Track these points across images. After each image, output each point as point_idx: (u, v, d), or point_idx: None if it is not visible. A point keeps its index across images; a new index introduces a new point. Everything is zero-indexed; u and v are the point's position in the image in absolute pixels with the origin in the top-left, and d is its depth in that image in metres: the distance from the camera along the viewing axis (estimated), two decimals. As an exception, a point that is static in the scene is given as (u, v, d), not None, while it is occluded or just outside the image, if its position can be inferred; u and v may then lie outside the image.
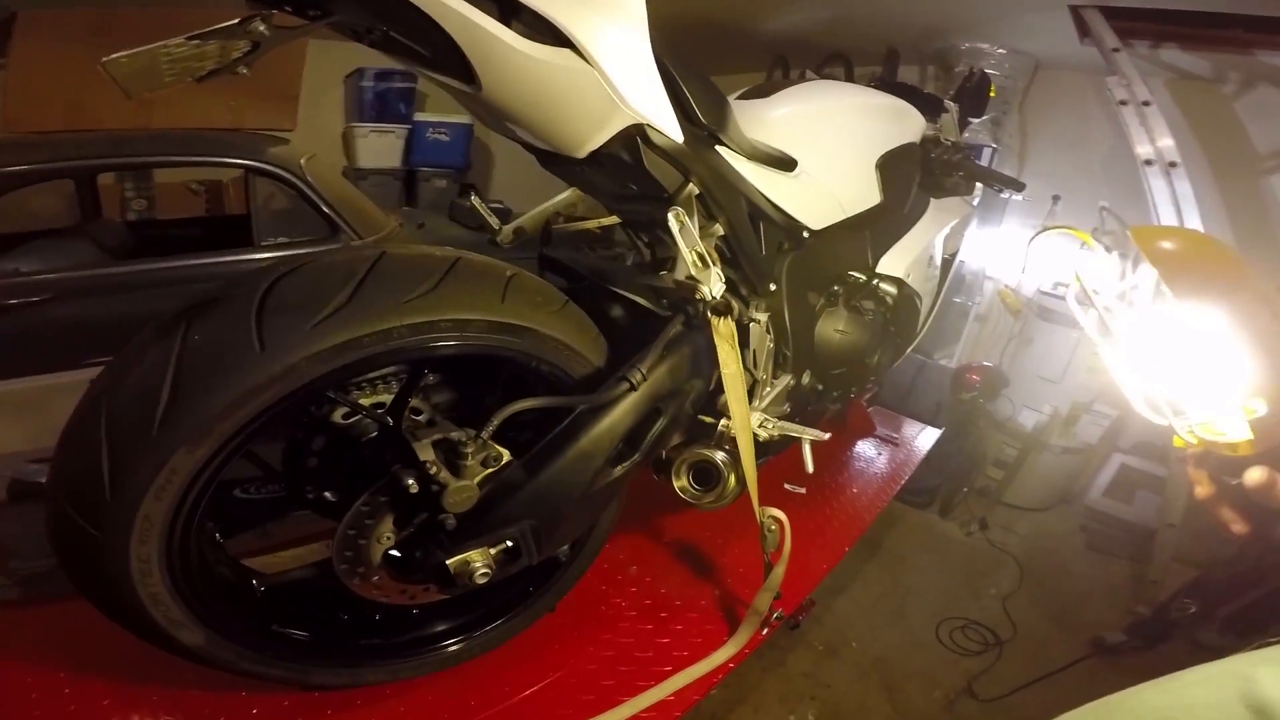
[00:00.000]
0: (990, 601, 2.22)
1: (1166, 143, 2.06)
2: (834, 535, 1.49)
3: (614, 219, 1.24)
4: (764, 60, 3.49)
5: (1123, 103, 2.14)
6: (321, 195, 2.31)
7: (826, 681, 1.80)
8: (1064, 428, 2.79)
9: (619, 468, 0.96)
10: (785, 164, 1.14)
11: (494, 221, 1.22)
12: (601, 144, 0.84)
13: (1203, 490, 0.57)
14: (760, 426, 1.10)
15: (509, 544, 0.88)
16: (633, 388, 0.93)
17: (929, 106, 1.60)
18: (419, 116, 3.99)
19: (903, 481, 1.81)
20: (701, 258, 0.92)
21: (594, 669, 1.05)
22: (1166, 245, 0.63)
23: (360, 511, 0.83)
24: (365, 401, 0.89)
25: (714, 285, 0.93)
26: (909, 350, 1.64)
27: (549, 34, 0.75)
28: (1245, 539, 0.55)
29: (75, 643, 0.93)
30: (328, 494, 0.91)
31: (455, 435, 0.84)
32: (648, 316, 1.07)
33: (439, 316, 0.79)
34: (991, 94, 1.91)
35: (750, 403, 1.11)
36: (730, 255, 1.08)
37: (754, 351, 1.15)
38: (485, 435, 0.84)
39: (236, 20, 0.71)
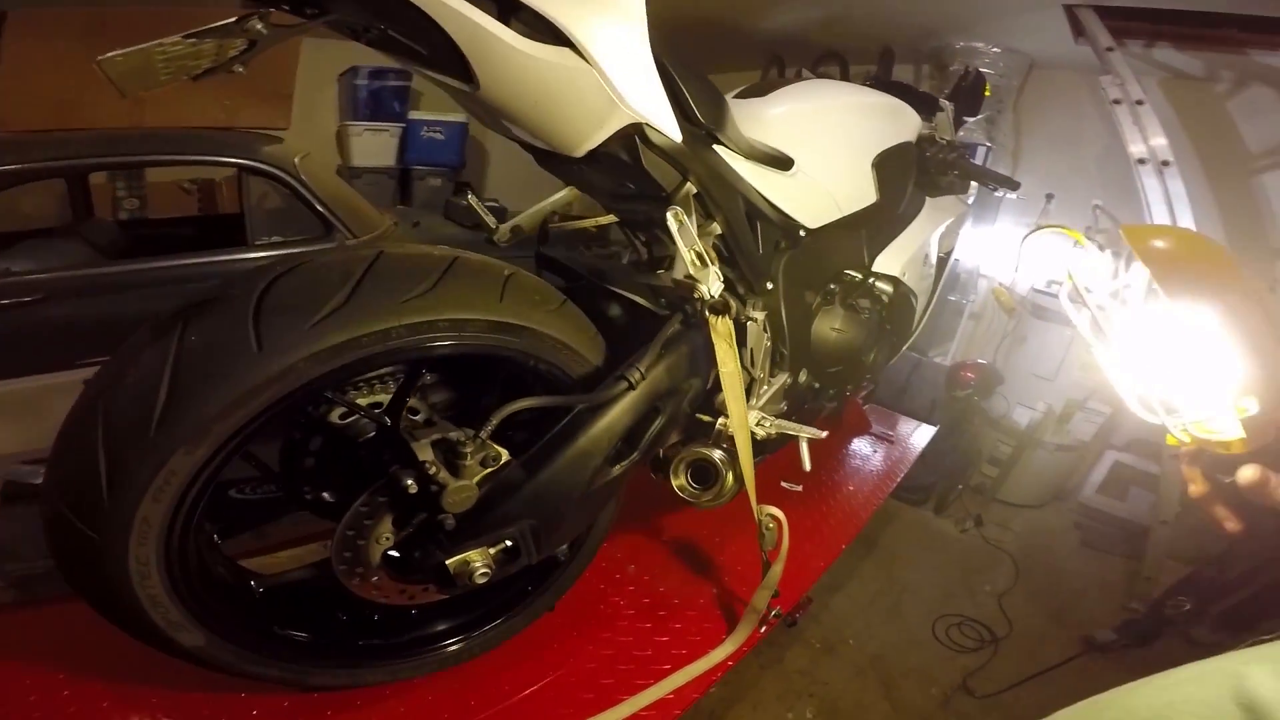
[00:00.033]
0: (986, 598, 2.24)
1: (1159, 141, 2.07)
2: (831, 533, 1.50)
3: (611, 218, 1.24)
4: (759, 59, 3.50)
5: (1116, 101, 2.15)
6: (315, 194, 2.31)
7: (824, 679, 1.81)
8: (1058, 425, 2.81)
9: (618, 467, 0.96)
10: (782, 163, 1.15)
11: (491, 220, 1.22)
12: (600, 143, 0.84)
13: (1196, 488, 0.57)
14: (758, 425, 1.10)
15: (508, 544, 0.88)
16: (631, 387, 0.93)
17: (924, 105, 1.60)
18: (413, 115, 3.98)
19: (899, 479, 1.82)
20: (700, 257, 0.92)
21: (593, 667, 1.05)
22: (1158, 244, 0.63)
23: (359, 512, 0.82)
24: (362, 401, 0.89)
25: (712, 284, 0.93)
26: (904, 348, 1.65)
27: (548, 33, 0.75)
28: (1239, 537, 0.55)
29: (74, 644, 0.92)
30: (326, 494, 0.91)
31: (454, 435, 0.84)
32: (645, 315, 1.07)
33: (437, 316, 0.79)
34: (987, 93, 1.91)
35: (748, 401, 1.11)
36: (727, 254, 1.08)
37: (751, 350, 1.15)
38: (484, 435, 0.84)
39: (234, 19, 0.70)
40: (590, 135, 0.83)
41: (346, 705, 0.93)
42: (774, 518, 1.11)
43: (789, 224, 1.18)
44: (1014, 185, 1.72)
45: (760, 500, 1.07)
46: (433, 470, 0.81)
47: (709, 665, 1.07)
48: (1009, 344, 3.06)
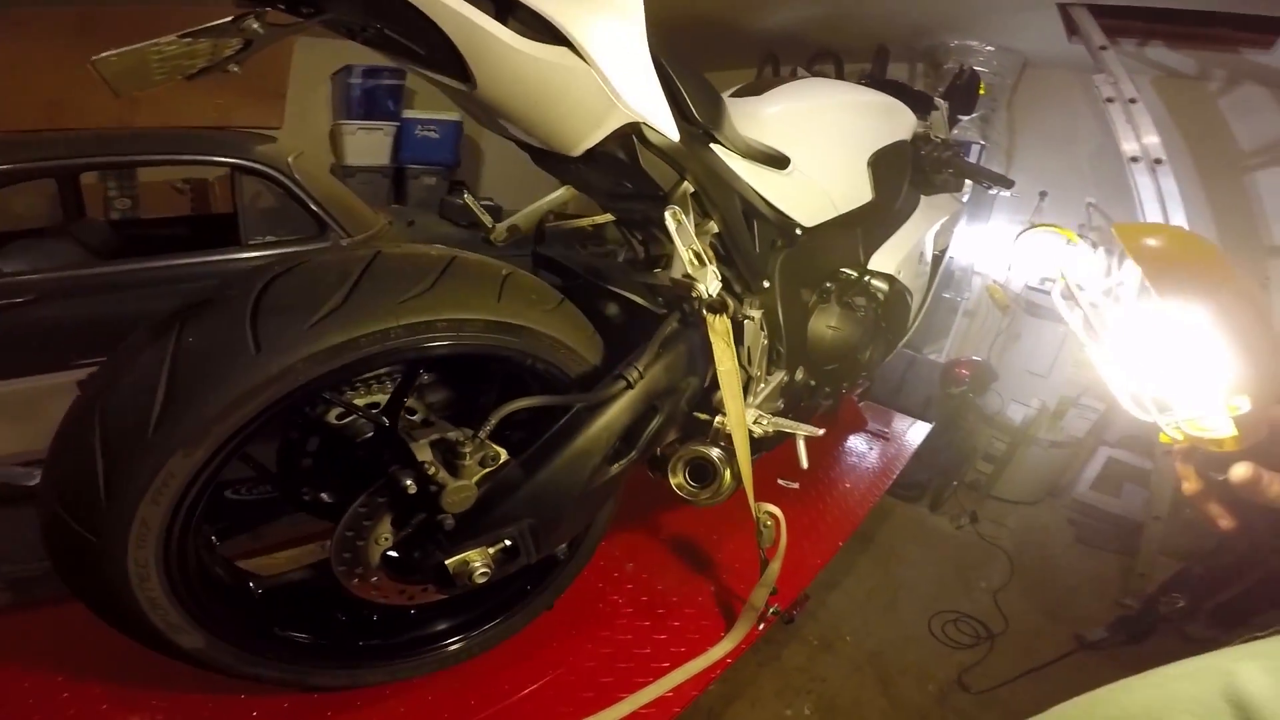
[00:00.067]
0: (981, 595, 2.25)
1: (1152, 140, 2.09)
2: (828, 530, 1.51)
3: (607, 217, 1.24)
4: (754, 57, 3.50)
5: (1110, 100, 2.16)
6: (309, 193, 2.29)
7: (822, 675, 1.81)
8: (1052, 421, 2.82)
9: (616, 465, 0.97)
10: (778, 162, 1.15)
11: (487, 219, 1.22)
12: (597, 142, 0.84)
13: (1190, 486, 0.57)
14: (755, 423, 1.11)
15: (507, 543, 0.88)
16: (630, 385, 0.93)
17: (919, 104, 1.61)
18: (407, 113, 3.96)
19: (894, 476, 1.83)
20: (698, 256, 0.92)
21: (593, 666, 1.05)
22: (1150, 242, 0.64)
23: (358, 513, 0.82)
24: (359, 401, 0.89)
25: (710, 283, 0.93)
26: (900, 345, 1.66)
27: (546, 32, 0.75)
28: (1233, 534, 0.56)
29: (73, 646, 0.92)
30: (324, 495, 0.91)
31: (453, 435, 0.84)
32: (643, 314, 1.07)
33: (436, 316, 0.79)
34: (981, 91, 1.92)
35: (745, 399, 1.12)
36: (724, 253, 1.09)
37: (748, 348, 1.16)
38: (483, 435, 0.84)
39: (230, 18, 0.70)
40: (588, 135, 0.83)
41: (346, 705, 0.93)
42: (772, 515, 1.11)
43: (785, 222, 1.18)
44: (1008, 183, 1.73)
45: (757, 498, 1.08)
46: (432, 470, 0.81)
47: (708, 662, 1.08)
48: (1003, 341, 3.07)
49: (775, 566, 1.14)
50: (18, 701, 0.85)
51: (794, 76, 1.50)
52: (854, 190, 1.34)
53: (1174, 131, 2.46)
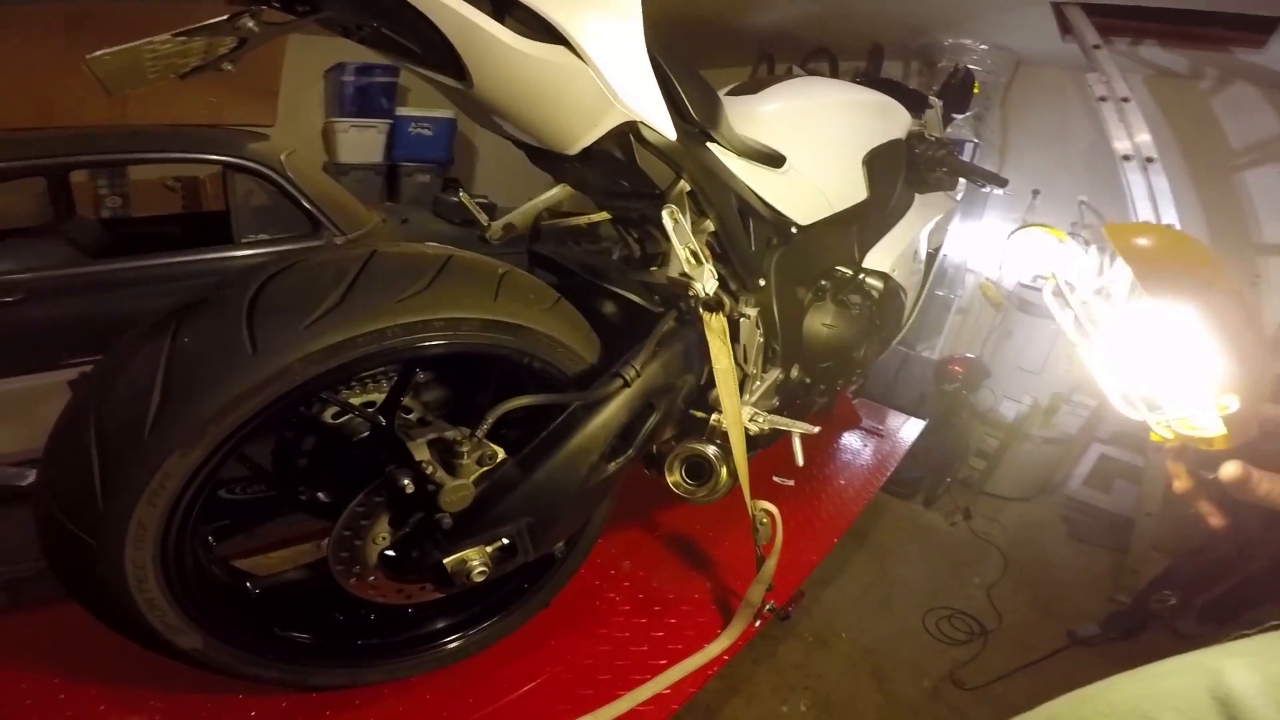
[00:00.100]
0: (975, 591, 2.27)
1: (1144, 138, 2.10)
2: (822, 527, 1.51)
3: (603, 215, 1.24)
4: (748, 55, 3.49)
5: (1102, 99, 2.17)
6: (302, 191, 2.28)
7: (817, 672, 1.83)
8: (1044, 418, 2.84)
9: (613, 464, 0.97)
10: (774, 160, 1.15)
11: (483, 217, 1.21)
12: (594, 141, 0.84)
13: (1181, 484, 0.58)
14: (751, 420, 1.11)
15: (505, 542, 0.88)
16: (626, 384, 0.93)
17: (914, 102, 1.62)
18: (400, 111, 3.94)
19: (889, 473, 1.84)
20: (694, 254, 0.93)
21: (590, 664, 1.05)
22: (1140, 242, 0.64)
23: (355, 512, 0.82)
24: (355, 401, 0.88)
25: (706, 282, 0.94)
26: (894, 343, 1.66)
27: (543, 30, 0.75)
28: (1223, 532, 0.57)
29: (70, 646, 0.91)
30: (320, 495, 0.91)
31: (450, 434, 0.84)
32: (639, 312, 1.07)
33: (433, 315, 0.79)
34: (975, 90, 1.93)
35: (741, 397, 1.12)
36: (720, 251, 1.09)
37: (744, 346, 1.16)
38: (480, 434, 0.84)
39: (224, 16, 0.69)
40: (585, 133, 0.83)
41: (345, 705, 0.93)
42: (767, 512, 1.12)
43: (781, 221, 1.19)
44: (1001, 181, 1.73)
45: (753, 495, 1.08)
46: (429, 470, 0.81)
47: (705, 659, 1.08)
48: (996, 338, 3.09)
49: (771, 563, 1.14)
50: (15, 703, 0.85)
51: (789, 75, 1.51)
52: (849, 188, 1.34)
53: (1166, 130, 2.48)
